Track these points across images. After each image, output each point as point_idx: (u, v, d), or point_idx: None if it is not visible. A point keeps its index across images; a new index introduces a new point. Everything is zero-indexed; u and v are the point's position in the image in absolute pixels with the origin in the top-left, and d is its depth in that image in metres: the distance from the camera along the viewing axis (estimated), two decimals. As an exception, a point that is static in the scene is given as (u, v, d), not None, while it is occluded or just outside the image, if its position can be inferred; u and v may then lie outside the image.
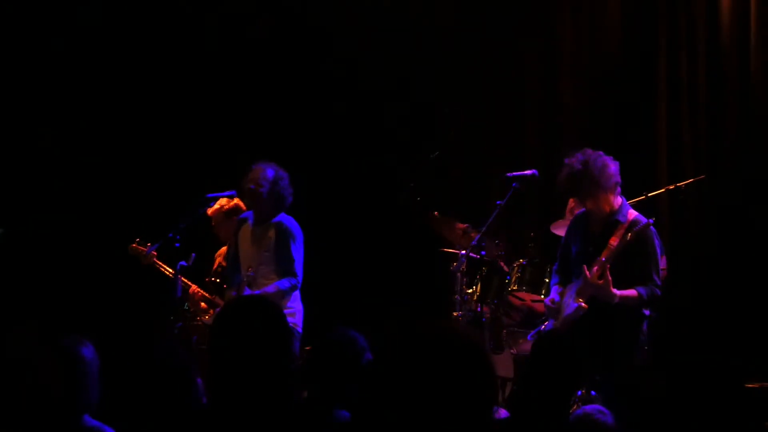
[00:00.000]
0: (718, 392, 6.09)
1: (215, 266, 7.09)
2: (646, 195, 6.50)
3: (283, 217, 6.45)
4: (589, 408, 3.78)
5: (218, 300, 6.73)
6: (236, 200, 6.91)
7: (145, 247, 6.85)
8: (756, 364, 6.53)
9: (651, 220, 5.58)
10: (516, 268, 6.99)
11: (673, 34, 7.65)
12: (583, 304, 5.56)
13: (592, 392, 5.29)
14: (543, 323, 6.75)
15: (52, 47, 8.44)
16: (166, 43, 8.61)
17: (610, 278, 5.41)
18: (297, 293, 6.44)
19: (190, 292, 6.72)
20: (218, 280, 6.89)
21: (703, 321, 7.24)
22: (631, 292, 5.46)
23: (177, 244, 6.61)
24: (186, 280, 6.69)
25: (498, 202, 6.56)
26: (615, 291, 5.42)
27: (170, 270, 6.70)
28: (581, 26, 8.10)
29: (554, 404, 3.68)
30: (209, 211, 6.94)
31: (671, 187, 6.88)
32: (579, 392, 5.18)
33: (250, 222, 6.53)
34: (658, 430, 5.56)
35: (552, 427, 3.64)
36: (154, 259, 6.81)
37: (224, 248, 7.02)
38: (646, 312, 5.65)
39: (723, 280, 7.30)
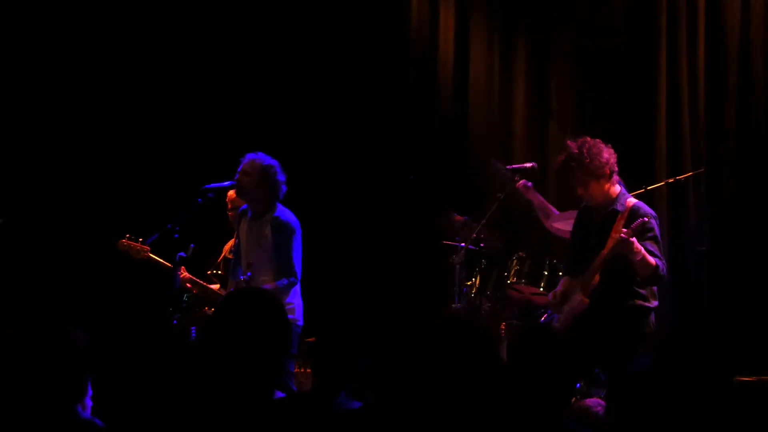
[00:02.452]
0: (713, 386, 6.08)
1: (220, 258, 7.05)
2: (645, 188, 6.50)
3: (280, 212, 6.39)
4: (589, 401, 3.76)
5: (220, 291, 6.72)
6: None
7: (137, 242, 6.71)
8: (753, 357, 6.53)
9: (653, 213, 5.60)
10: (515, 261, 7.00)
11: (673, 26, 7.64)
12: (584, 299, 5.56)
13: (598, 391, 5.27)
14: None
15: (50, 37, 8.43)
16: (165, 34, 8.59)
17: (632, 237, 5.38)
18: (297, 288, 6.40)
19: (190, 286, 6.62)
20: (221, 272, 6.86)
21: (701, 314, 7.25)
22: (651, 258, 5.43)
23: (176, 236, 6.59)
24: (190, 275, 6.60)
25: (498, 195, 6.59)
26: (638, 246, 5.38)
27: (166, 263, 6.62)
28: (580, 17, 8.07)
29: (538, 396, 3.66)
30: (231, 193, 6.86)
31: (671, 181, 6.89)
32: (578, 385, 5.18)
33: (249, 215, 6.50)
34: (654, 422, 5.55)
35: (540, 419, 3.64)
36: (148, 253, 6.70)
37: (232, 241, 6.95)
38: (653, 305, 5.64)
39: (720, 273, 7.30)
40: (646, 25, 7.75)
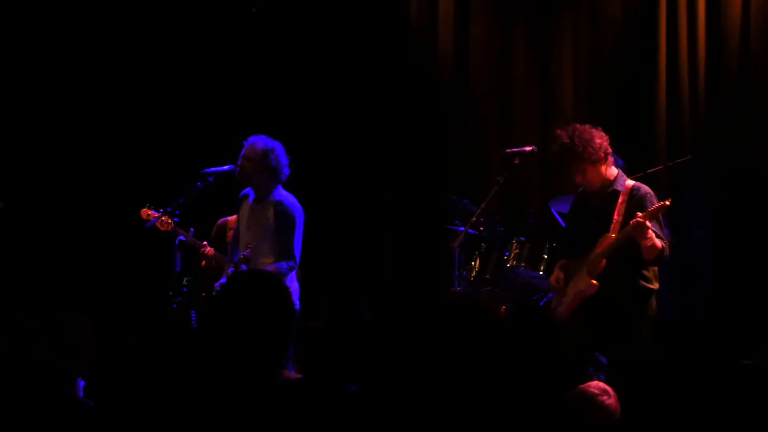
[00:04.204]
0: (715, 370, 6.10)
1: (229, 239, 6.98)
2: (644, 172, 6.49)
3: (283, 196, 6.39)
4: (594, 386, 3.68)
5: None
6: None
7: (158, 213, 6.77)
8: (753, 341, 6.54)
9: (651, 193, 5.60)
10: (515, 245, 7.00)
11: (673, 14, 7.63)
12: (593, 282, 5.55)
13: (590, 368, 5.27)
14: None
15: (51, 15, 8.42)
16: (169, 19, 8.57)
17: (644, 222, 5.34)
18: (293, 273, 6.41)
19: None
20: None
21: (702, 299, 7.25)
22: (658, 240, 5.41)
23: (176, 219, 6.59)
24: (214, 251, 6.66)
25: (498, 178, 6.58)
26: (649, 231, 5.34)
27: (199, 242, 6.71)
28: (581, 3, 8.05)
29: (540, 378, 3.65)
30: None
31: (669, 164, 6.88)
32: (590, 369, 5.15)
33: (250, 199, 6.49)
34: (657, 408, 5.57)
35: (542, 401, 3.64)
36: (173, 226, 6.74)
37: (233, 218, 6.93)
38: (655, 287, 5.64)
39: (720, 256, 7.30)
40: (647, 7, 7.74)
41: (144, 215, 6.80)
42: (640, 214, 5.36)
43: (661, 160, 7.26)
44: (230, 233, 6.92)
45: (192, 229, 6.73)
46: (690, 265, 7.28)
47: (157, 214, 6.73)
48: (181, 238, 6.61)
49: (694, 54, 7.53)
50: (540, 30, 8.21)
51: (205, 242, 6.78)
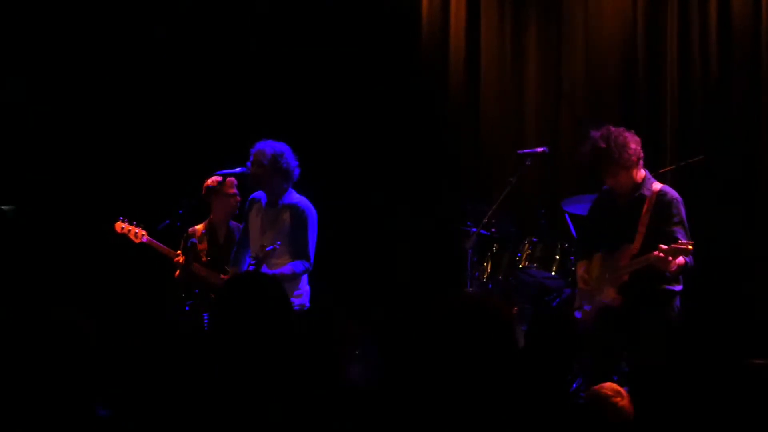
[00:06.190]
0: (723, 370, 6.10)
1: (204, 245, 7.01)
2: (656, 172, 6.49)
3: (298, 199, 6.43)
4: (607, 387, 3.61)
5: (221, 277, 6.78)
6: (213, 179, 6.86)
7: (132, 225, 6.85)
8: (763, 341, 6.54)
9: (679, 197, 5.57)
10: (527, 245, 7.00)
11: (684, 11, 7.62)
12: (618, 296, 5.52)
13: (614, 377, 5.23)
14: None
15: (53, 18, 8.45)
16: (175, 19, 8.59)
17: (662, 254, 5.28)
18: (305, 275, 6.43)
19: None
20: (209, 259, 6.86)
21: (710, 298, 7.24)
22: (680, 260, 5.34)
23: (178, 223, 6.61)
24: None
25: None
26: (672, 262, 5.29)
27: (166, 248, 6.74)
28: (590, 2, 8.06)
29: (556, 379, 3.65)
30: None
31: (681, 164, 6.87)
32: (615, 378, 5.11)
33: (262, 203, 6.52)
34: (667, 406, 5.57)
35: (556, 401, 3.63)
36: (146, 236, 6.82)
37: (200, 226, 6.99)
38: (678, 288, 5.61)
39: (728, 258, 7.29)
40: (657, 4, 7.74)
41: (118, 229, 6.88)
42: (663, 246, 5.30)
43: (672, 159, 7.26)
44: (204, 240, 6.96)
45: (204, 230, 6.74)
46: (702, 265, 7.27)
47: (131, 227, 6.82)
48: (193, 240, 6.64)
49: (705, 51, 7.52)
50: (550, 30, 8.20)
51: (179, 251, 6.78)
